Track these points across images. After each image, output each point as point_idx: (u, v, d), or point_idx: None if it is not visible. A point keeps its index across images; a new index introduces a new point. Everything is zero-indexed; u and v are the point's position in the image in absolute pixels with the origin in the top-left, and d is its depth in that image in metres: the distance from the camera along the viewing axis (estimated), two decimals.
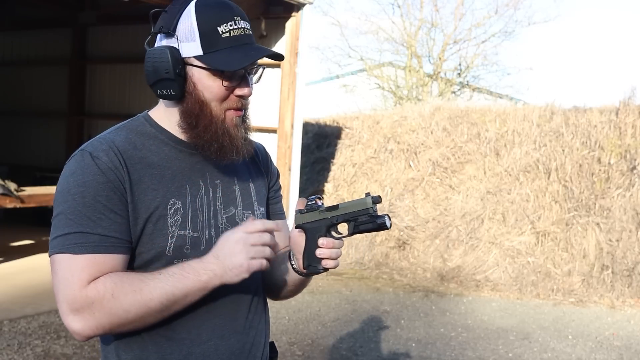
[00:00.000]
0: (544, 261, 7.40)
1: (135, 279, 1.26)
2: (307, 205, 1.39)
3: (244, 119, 1.39)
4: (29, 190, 6.47)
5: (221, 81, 1.33)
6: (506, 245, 7.65)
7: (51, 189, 6.81)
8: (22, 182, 6.60)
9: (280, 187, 1.66)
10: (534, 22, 21.68)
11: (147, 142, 1.37)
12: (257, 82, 1.41)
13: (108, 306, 1.24)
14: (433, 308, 6.25)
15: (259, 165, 1.57)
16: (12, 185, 6.19)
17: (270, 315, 1.60)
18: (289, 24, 7.57)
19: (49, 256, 1.31)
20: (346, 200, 1.45)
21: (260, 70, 1.40)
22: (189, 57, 1.32)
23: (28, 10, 9.85)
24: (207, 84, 1.33)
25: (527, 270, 7.33)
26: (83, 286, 1.25)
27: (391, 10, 33.05)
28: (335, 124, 10.77)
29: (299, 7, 7.46)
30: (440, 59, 18.01)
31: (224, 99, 1.34)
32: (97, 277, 1.26)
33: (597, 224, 7.48)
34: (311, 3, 7.54)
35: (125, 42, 9.23)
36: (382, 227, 1.36)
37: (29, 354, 4.28)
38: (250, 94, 1.37)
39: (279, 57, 1.38)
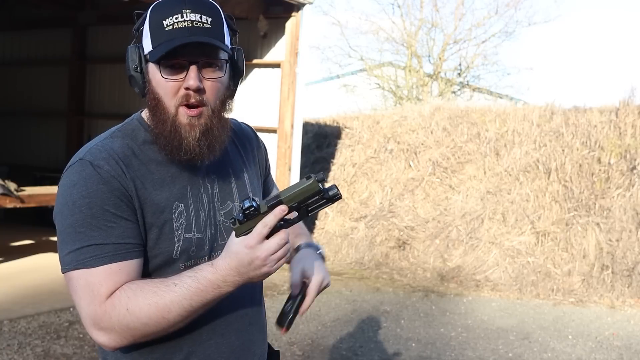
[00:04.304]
0: (544, 261, 7.39)
1: (150, 292, 1.24)
2: (245, 212, 1.22)
3: (201, 116, 1.31)
4: (29, 190, 6.47)
5: (161, 73, 1.29)
6: (506, 245, 7.65)
7: (51, 189, 6.81)
8: (22, 182, 6.60)
9: (269, 166, 1.66)
10: (534, 23, 21.70)
11: (143, 147, 1.36)
12: (218, 77, 1.32)
13: (125, 321, 1.24)
14: (433, 308, 6.25)
15: (250, 148, 1.56)
16: (12, 185, 6.19)
17: (269, 315, 1.61)
18: (289, 24, 7.57)
19: (63, 272, 1.28)
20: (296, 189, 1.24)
21: (224, 64, 1.33)
22: (147, 54, 1.31)
23: (28, 10, 9.85)
24: (157, 78, 1.31)
25: (527, 270, 7.33)
26: (103, 301, 1.24)
27: (391, 10, 33.04)
28: (335, 124, 10.77)
29: (299, 7, 7.46)
30: (440, 59, 18.01)
31: (174, 93, 1.30)
32: (116, 288, 1.25)
33: (597, 224, 7.48)
34: (311, 3, 7.54)
35: (125, 42, 9.06)
36: (335, 198, 1.26)
37: (29, 354, 4.28)
38: (194, 87, 1.27)
39: (223, 49, 1.31)
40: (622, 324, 6.00)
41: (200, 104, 1.31)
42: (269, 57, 7.87)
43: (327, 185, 1.27)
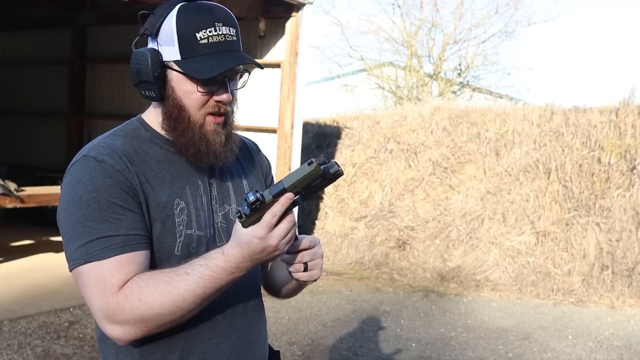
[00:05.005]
0: (544, 261, 7.40)
1: (162, 282, 1.25)
2: (251, 206, 1.22)
3: (225, 124, 1.38)
4: (29, 190, 6.47)
5: (196, 87, 1.32)
6: (506, 245, 7.65)
7: (51, 189, 6.81)
8: (22, 182, 6.60)
9: (273, 178, 1.69)
10: (534, 22, 21.78)
11: (143, 145, 1.38)
12: (242, 86, 1.40)
13: (138, 312, 1.24)
14: (433, 308, 6.25)
15: (251, 162, 1.59)
16: (12, 185, 6.19)
17: (269, 315, 1.61)
18: (289, 24, 7.56)
19: (71, 269, 1.29)
20: (297, 177, 1.24)
21: (246, 75, 1.40)
22: (169, 61, 1.33)
23: (28, 10, 9.85)
24: (184, 88, 1.33)
25: (527, 270, 7.33)
26: (115, 292, 1.25)
27: (391, 10, 33.03)
28: (335, 124, 10.77)
29: (299, 7, 7.46)
30: (440, 59, 18.02)
31: (203, 104, 1.34)
32: (128, 279, 1.26)
33: (597, 224, 7.48)
34: (311, 3, 7.54)
35: (125, 42, 9.17)
36: (337, 175, 1.27)
37: (29, 354, 4.28)
38: (228, 100, 1.35)
39: (257, 66, 1.38)
40: (622, 324, 6.00)
41: (225, 112, 1.37)
42: (269, 57, 7.87)
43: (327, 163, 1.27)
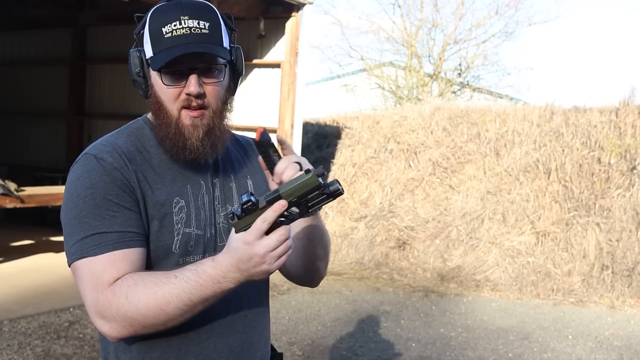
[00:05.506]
0: (544, 261, 7.39)
1: (150, 283, 1.25)
2: (243, 207, 1.19)
3: (204, 118, 1.35)
4: (29, 190, 6.47)
5: (161, 79, 1.33)
6: (506, 245, 7.65)
7: (51, 189, 6.81)
8: (22, 182, 6.60)
9: None
10: (534, 23, 21.81)
11: (146, 144, 1.39)
12: (218, 80, 1.35)
13: (124, 310, 1.24)
14: (433, 308, 6.25)
15: (257, 161, 1.55)
16: (12, 185, 6.19)
17: (270, 315, 1.60)
18: (289, 24, 7.57)
19: (69, 264, 1.31)
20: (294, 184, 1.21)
21: (223, 67, 1.36)
22: (148, 59, 1.35)
23: (28, 10, 9.85)
24: (158, 84, 1.34)
25: (527, 270, 7.33)
26: (105, 288, 1.26)
27: (392, 10, 32.97)
28: (335, 124, 10.77)
29: (299, 7, 7.47)
30: (440, 59, 18.02)
31: (175, 97, 1.34)
32: (120, 276, 1.26)
33: (597, 224, 7.48)
34: (311, 3, 7.55)
35: (125, 42, 9.15)
36: (336, 194, 1.22)
37: (29, 354, 4.28)
38: (196, 92, 1.32)
39: (212, 53, 1.33)
40: (622, 324, 6.00)
41: (201, 107, 1.35)
42: (269, 57, 7.87)
43: (328, 180, 1.23)
